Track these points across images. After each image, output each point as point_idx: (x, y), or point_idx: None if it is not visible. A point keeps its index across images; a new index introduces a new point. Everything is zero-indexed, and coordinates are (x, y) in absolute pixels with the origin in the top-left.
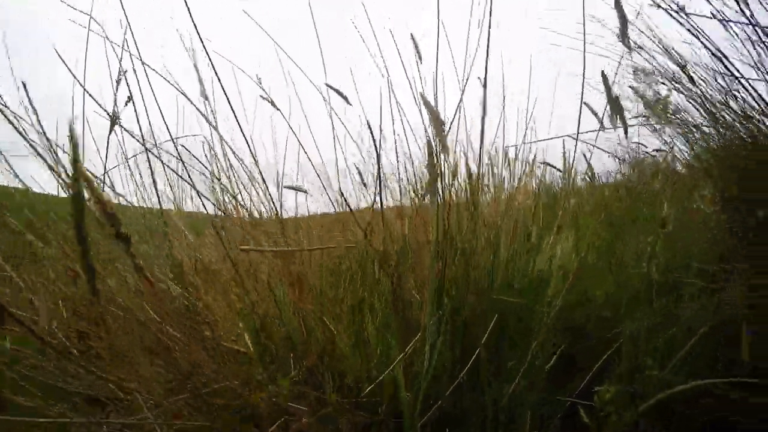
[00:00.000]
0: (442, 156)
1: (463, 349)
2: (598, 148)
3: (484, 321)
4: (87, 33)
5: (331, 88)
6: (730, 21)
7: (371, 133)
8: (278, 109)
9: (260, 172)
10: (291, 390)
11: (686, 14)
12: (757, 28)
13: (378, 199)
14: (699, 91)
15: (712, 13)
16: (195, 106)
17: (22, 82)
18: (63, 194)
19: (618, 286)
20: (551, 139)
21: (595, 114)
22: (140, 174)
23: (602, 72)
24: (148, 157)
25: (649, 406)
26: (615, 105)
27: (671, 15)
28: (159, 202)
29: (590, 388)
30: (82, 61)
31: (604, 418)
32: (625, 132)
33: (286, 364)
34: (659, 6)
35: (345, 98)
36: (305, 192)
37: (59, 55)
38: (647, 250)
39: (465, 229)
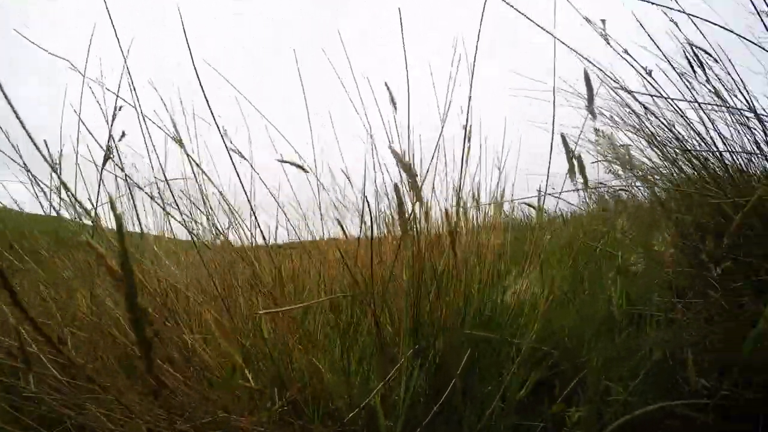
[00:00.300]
0: (417, 204)
1: (439, 379)
2: (565, 200)
3: (458, 353)
4: (84, 72)
5: (286, 162)
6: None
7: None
8: (245, 159)
9: (250, 202)
10: (277, 419)
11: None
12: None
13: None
14: (658, 140)
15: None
16: (184, 149)
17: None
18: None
19: (583, 320)
20: (522, 199)
21: (570, 150)
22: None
23: (561, 135)
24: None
25: (615, 427)
26: (573, 167)
27: (636, 98)
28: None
29: (561, 413)
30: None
31: None
32: (585, 187)
33: (273, 394)
34: (628, 90)
35: (302, 168)
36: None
37: (76, 112)
38: (610, 289)
39: (438, 267)
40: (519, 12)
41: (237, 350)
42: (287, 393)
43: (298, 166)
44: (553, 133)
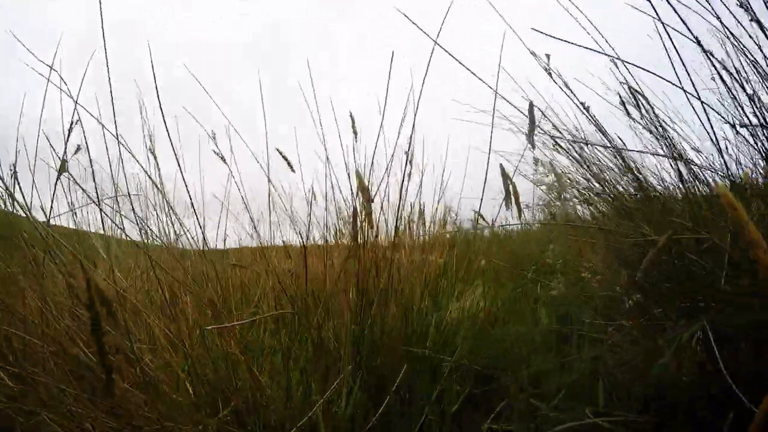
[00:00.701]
0: (367, 227)
1: (378, 392)
2: (503, 224)
3: (396, 368)
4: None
5: (281, 154)
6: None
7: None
8: (226, 163)
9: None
10: (220, 429)
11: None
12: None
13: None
14: (596, 169)
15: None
16: (139, 163)
17: None
18: None
19: (514, 338)
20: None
21: (506, 179)
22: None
23: (500, 165)
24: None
25: None
26: (509, 196)
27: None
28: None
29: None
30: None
31: None
32: (519, 215)
33: (217, 404)
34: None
35: (290, 165)
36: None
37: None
38: (541, 311)
39: (382, 284)
40: (459, 63)
41: (182, 361)
42: (231, 403)
43: (289, 164)
44: (488, 163)
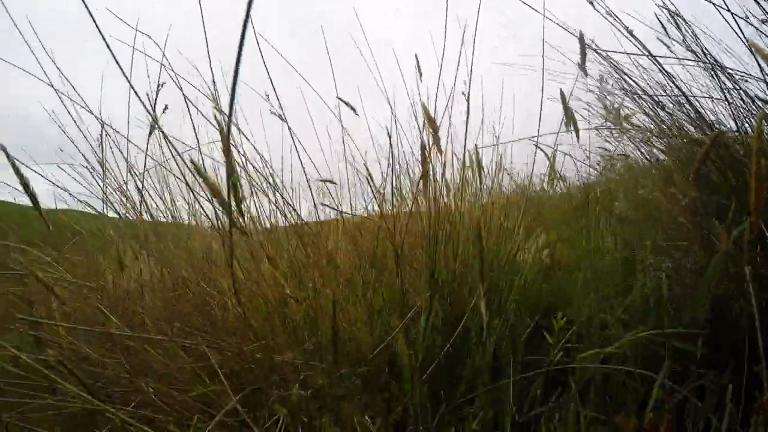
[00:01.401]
0: (436, 155)
1: (452, 317)
2: (561, 151)
3: (469, 302)
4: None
5: (342, 101)
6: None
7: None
8: (287, 124)
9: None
10: (309, 356)
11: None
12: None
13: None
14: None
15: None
16: (239, 129)
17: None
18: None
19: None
20: (517, 140)
21: (565, 101)
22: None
23: (560, 90)
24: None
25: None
26: (569, 117)
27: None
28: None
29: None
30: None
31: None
32: (577, 136)
33: (304, 336)
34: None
35: (353, 110)
36: (334, 183)
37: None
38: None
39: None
40: None
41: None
42: (319, 334)
43: (352, 108)
44: (542, 92)
